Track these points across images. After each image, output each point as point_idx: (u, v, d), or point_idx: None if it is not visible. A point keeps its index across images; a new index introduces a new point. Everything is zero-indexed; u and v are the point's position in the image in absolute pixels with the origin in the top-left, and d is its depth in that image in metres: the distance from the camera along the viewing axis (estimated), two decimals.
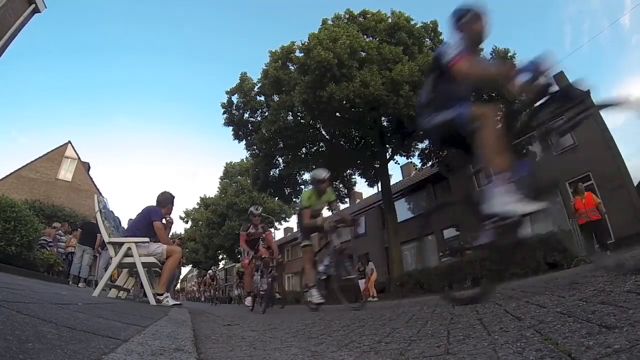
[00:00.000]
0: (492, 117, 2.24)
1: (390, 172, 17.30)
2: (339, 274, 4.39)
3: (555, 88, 2.13)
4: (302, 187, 19.42)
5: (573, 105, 2.37)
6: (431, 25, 16.20)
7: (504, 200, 2.06)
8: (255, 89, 17.30)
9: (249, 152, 18.92)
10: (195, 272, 46.03)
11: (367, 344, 1.34)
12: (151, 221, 4.08)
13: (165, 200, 4.65)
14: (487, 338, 1.08)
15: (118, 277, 5.09)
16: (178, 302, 4.35)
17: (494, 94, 12.06)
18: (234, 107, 17.67)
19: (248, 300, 6.40)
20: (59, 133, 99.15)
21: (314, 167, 18.02)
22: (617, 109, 1.95)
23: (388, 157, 16.72)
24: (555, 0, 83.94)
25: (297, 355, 1.23)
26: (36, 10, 10.50)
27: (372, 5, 29.49)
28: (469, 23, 2.39)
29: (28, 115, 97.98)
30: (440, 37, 16.32)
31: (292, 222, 38.81)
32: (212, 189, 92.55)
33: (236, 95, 17.56)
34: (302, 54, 14.34)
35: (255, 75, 17.43)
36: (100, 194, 19.96)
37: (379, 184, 17.78)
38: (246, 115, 17.71)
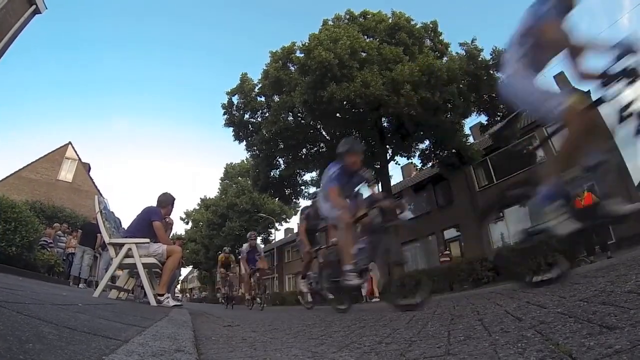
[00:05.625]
0: None
1: (390, 173, 17.27)
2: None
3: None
4: (303, 187, 19.38)
5: None
6: (431, 26, 16.18)
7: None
8: (256, 90, 17.27)
9: (249, 153, 18.87)
10: (196, 273, 45.99)
11: (367, 344, 1.34)
12: (151, 221, 4.09)
13: (166, 201, 4.65)
14: (487, 339, 1.08)
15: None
16: (179, 303, 4.36)
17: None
18: (235, 108, 17.62)
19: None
20: (60, 134, 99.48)
21: (314, 167, 18.02)
22: None
23: (388, 157, 16.69)
24: None
25: (298, 356, 1.22)
26: (37, 12, 10.48)
27: (372, 5, 29.61)
28: None
29: (28, 115, 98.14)
30: (440, 37, 16.30)
31: (292, 223, 38.87)
32: (212, 190, 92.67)
33: (236, 96, 17.52)
34: (303, 55, 14.31)
35: (255, 76, 17.43)
36: (101, 194, 19.99)
37: (379, 185, 17.76)
38: (247, 116, 17.67)
